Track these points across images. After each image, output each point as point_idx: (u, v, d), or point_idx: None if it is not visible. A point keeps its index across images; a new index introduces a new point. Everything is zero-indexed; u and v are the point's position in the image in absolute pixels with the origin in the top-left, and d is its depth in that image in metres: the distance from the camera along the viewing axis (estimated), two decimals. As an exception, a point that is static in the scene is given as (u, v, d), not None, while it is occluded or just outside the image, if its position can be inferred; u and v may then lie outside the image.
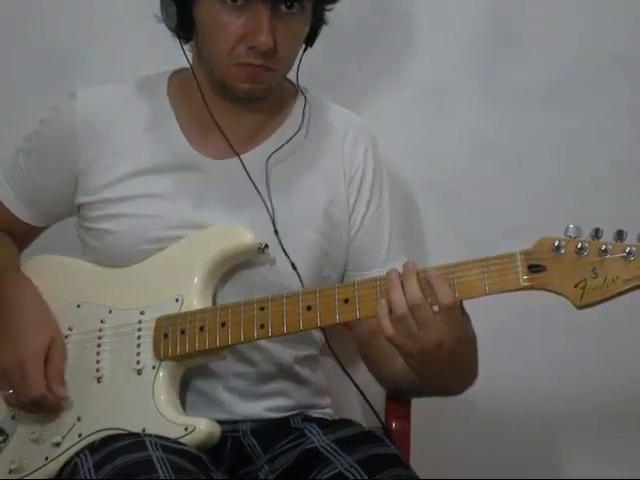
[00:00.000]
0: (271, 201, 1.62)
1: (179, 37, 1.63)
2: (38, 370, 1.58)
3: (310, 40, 1.66)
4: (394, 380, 1.65)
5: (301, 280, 1.59)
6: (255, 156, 1.65)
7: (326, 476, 1.49)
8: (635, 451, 2.16)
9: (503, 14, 2.08)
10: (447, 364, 1.46)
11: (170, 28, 1.62)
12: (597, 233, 1.34)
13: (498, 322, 2.05)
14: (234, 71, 1.57)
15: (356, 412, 1.72)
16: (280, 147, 1.65)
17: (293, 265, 1.60)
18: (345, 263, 1.70)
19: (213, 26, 1.57)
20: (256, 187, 1.62)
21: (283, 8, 1.55)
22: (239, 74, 1.57)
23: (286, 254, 1.60)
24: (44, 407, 1.59)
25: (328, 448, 1.54)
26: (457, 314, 1.42)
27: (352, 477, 1.46)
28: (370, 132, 1.75)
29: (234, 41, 1.55)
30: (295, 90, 1.72)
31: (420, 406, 1.82)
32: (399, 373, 1.59)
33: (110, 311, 1.62)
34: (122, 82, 1.72)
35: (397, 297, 1.42)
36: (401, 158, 2.04)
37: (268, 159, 1.64)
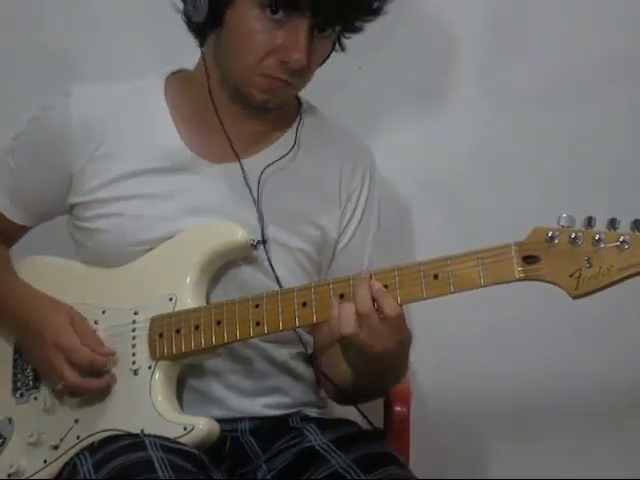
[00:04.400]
0: (261, 209, 1.62)
1: (196, 33, 1.61)
2: (75, 340, 1.56)
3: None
4: (339, 382, 1.64)
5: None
6: (254, 163, 1.65)
7: (322, 474, 1.49)
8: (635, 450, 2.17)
9: (503, 14, 2.08)
10: (386, 366, 1.49)
11: (192, 21, 1.59)
12: (590, 222, 1.34)
13: (498, 319, 2.06)
14: (257, 80, 1.56)
15: (354, 412, 1.71)
16: (277, 160, 1.65)
17: (277, 278, 1.59)
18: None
19: (246, 31, 1.54)
20: (251, 192, 1.62)
21: (320, 30, 1.54)
22: (261, 84, 1.56)
23: (271, 266, 1.60)
24: (97, 375, 1.56)
25: (325, 447, 1.55)
26: (401, 321, 1.43)
27: (348, 476, 1.47)
28: (370, 155, 1.75)
29: (265, 52, 1.53)
30: (298, 103, 1.72)
31: (420, 406, 1.83)
32: (342, 378, 1.60)
33: (103, 312, 1.61)
34: (117, 82, 1.70)
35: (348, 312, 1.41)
36: (401, 158, 2.05)
37: (263, 170, 1.63)
